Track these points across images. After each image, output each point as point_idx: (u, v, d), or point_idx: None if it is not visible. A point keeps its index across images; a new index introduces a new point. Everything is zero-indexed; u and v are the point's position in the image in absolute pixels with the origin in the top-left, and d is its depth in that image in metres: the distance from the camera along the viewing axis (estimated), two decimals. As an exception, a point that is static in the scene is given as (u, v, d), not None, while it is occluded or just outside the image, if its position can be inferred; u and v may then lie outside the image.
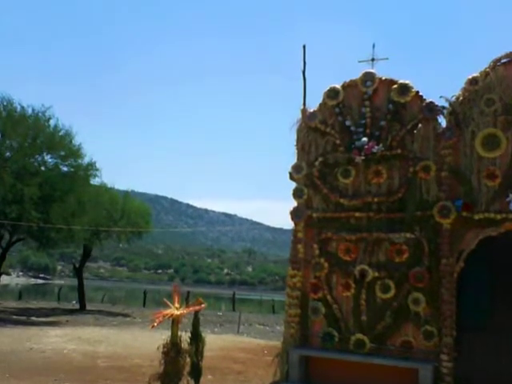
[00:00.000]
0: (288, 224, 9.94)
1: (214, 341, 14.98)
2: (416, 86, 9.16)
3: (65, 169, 26.56)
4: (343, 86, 9.67)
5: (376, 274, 8.96)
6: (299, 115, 9.93)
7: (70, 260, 68.65)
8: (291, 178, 9.86)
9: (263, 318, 31.12)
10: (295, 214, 9.74)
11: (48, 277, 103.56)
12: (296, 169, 9.83)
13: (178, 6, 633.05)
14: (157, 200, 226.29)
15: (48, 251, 46.89)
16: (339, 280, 9.33)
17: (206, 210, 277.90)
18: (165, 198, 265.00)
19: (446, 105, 8.88)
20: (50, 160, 26.34)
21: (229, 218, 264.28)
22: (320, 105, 9.83)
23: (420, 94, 9.11)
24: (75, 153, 26.23)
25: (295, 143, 9.98)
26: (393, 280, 8.90)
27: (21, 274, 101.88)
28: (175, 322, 8.73)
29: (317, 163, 9.61)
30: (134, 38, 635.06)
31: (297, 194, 9.76)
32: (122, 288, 78.09)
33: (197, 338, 9.23)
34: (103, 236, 31.69)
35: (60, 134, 26.01)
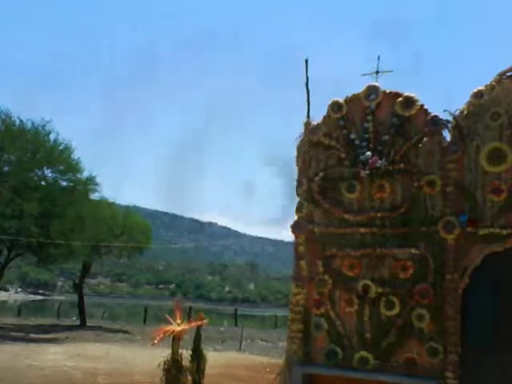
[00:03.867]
0: (289, 237, 9.89)
1: (216, 358, 14.83)
2: (420, 98, 9.04)
3: (64, 183, 26.48)
4: (346, 101, 9.56)
5: (380, 290, 8.82)
6: (302, 128, 9.83)
7: (70, 276, 68.42)
8: (297, 193, 9.76)
9: (265, 334, 30.97)
10: (295, 227, 9.66)
11: (47, 293, 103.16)
12: (297, 183, 9.74)
13: (177, 21, 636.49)
14: (157, 215, 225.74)
15: (47, 267, 46.79)
16: (342, 296, 9.17)
17: (210, 223, 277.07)
18: (165, 213, 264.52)
19: (451, 119, 8.79)
20: (49, 175, 26.26)
21: (231, 231, 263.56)
22: (324, 117, 9.72)
23: (425, 107, 8.99)
24: (74, 167, 26.14)
25: (296, 157, 9.88)
26: (397, 296, 8.75)
27: (19, 290, 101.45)
28: (176, 338, 8.62)
29: (317, 178, 9.50)
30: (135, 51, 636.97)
31: (297, 208, 9.69)
32: (122, 304, 77.80)
33: (198, 356, 9.13)
34: (103, 251, 31.57)
35: (60, 148, 25.91)
